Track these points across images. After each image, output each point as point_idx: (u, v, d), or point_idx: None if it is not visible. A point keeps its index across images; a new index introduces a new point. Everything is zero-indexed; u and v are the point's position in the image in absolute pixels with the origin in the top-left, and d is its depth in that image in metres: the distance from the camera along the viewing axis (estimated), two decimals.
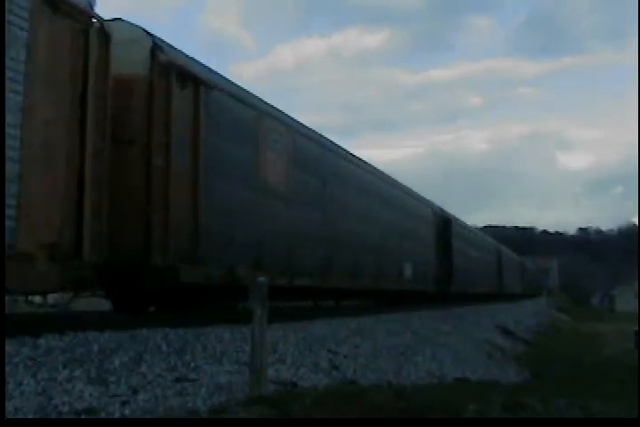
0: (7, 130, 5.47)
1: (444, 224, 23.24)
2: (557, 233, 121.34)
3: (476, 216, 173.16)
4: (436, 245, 22.02)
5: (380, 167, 17.00)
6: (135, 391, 4.87)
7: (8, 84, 5.48)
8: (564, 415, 5.15)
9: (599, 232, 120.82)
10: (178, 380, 5.43)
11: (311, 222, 11.77)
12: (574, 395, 6.22)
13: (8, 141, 5.48)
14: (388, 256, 16.32)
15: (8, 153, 5.47)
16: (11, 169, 5.50)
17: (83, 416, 4.16)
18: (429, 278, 20.77)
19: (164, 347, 6.47)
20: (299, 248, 11.05)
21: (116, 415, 4.30)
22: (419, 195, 20.96)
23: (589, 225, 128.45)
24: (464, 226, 28.96)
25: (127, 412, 4.37)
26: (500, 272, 37.95)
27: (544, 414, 5.12)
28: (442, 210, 23.72)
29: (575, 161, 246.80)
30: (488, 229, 71.08)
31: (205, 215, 8.39)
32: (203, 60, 9.11)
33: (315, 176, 12.12)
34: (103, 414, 4.26)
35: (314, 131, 12.83)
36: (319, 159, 12.53)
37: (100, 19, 6.73)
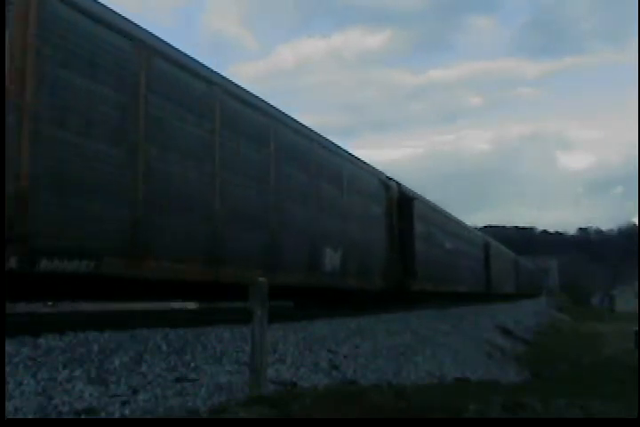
0: None
1: (403, 203, 17.79)
2: (557, 233, 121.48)
3: (475, 216, 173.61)
4: (388, 228, 16.46)
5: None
6: (135, 391, 4.88)
7: None
8: (564, 415, 5.15)
9: (599, 232, 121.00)
10: (178, 380, 5.43)
11: (105, 164, 6.96)
12: (574, 395, 6.22)
13: None
14: (291, 235, 10.92)
15: None
16: None
17: (83, 416, 4.17)
18: (375, 272, 15.22)
19: (164, 347, 6.47)
20: (63, 201, 6.45)
21: (116, 415, 4.30)
22: (360, 160, 15.32)
23: (589, 225, 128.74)
24: (435, 209, 22.58)
25: (127, 412, 4.38)
26: (488, 269, 33.04)
27: (544, 414, 5.13)
28: (399, 185, 18.01)
29: (575, 161, 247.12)
30: (488, 229, 71.10)
31: None
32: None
33: (119, 89, 7.23)
34: (103, 414, 4.26)
35: (124, 19, 7.61)
36: (128, 63, 7.41)
37: None
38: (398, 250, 17.02)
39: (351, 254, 13.55)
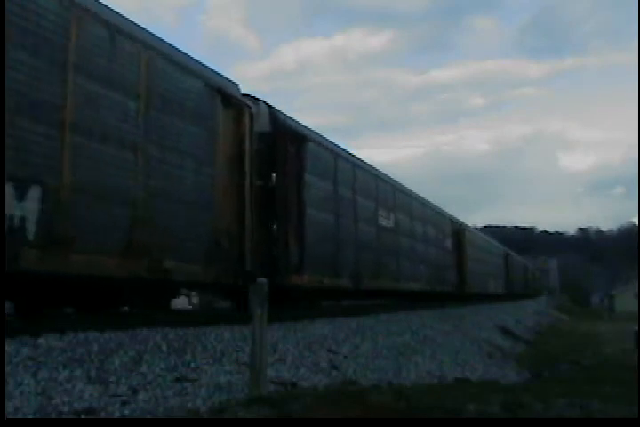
0: None
1: (283, 142, 10.99)
2: (557, 233, 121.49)
3: (475, 216, 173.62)
4: (235, 179, 9.56)
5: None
6: (135, 391, 4.88)
7: None
8: (564, 415, 5.15)
9: (599, 232, 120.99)
10: (178, 380, 5.43)
11: None
12: (574, 395, 6.22)
13: None
14: None
15: None
16: None
17: (83, 416, 4.17)
18: (188, 252, 8.36)
19: (164, 347, 6.47)
20: None
21: (116, 415, 4.31)
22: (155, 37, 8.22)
23: (589, 225, 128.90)
24: (358, 166, 14.82)
25: (127, 412, 4.38)
26: (461, 262, 25.10)
27: (544, 415, 5.12)
28: (274, 111, 11.00)
29: (576, 161, 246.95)
30: (488, 229, 71.10)
31: None
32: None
33: None
34: (103, 414, 4.27)
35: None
36: None
37: None
38: (260, 218, 10.06)
39: (101, 210, 7.03)
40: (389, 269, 16.32)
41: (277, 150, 10.77)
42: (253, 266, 9.58)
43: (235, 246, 9.39)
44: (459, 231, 25.76)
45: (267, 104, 10.89)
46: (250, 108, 10.15)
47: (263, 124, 10.54)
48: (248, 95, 10.41)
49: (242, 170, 9.70)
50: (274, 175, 10.58)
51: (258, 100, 10.70)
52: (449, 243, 23.93)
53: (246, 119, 9.93)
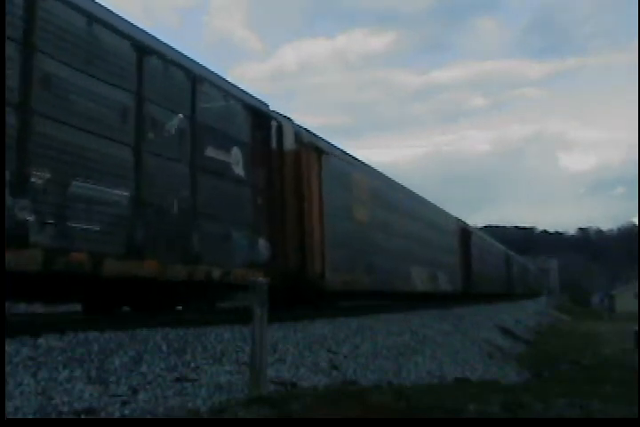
0: None
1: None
2: (557, 233, 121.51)
3: (476, 216, 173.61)
4: None
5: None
6: (135, 391, 4.88)
7: None
8: (564, 415, 5.15)
9: (599, 232, 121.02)
10: (178, 380, 5.43)
11: None
12: (574, 395, 6.22)
13: None
14: None
15: None
16: None
17: (83, 416, 4.16)
18: None
19: (164, 347, 6.47)
20: None
21: (116, 415, 4.30)
22: None
23: (589, 225, 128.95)
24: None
25: (127, 412, 4.38)
26: (309, 223, 11.48)
27: (544, 415, 5.12)
28: None
29: (576, 162, 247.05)
30: (488, 229, 71.04)
31: None
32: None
33: None
34: (103, 414, 4.26)
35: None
36: None
37: None
38: None
39: None
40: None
41: None
42: None
43: None
44: (314, 152, 11.93)
45: None
46: None
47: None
48: None
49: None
50: None
51: None
52: (256, 172, 9.94)
53: None
